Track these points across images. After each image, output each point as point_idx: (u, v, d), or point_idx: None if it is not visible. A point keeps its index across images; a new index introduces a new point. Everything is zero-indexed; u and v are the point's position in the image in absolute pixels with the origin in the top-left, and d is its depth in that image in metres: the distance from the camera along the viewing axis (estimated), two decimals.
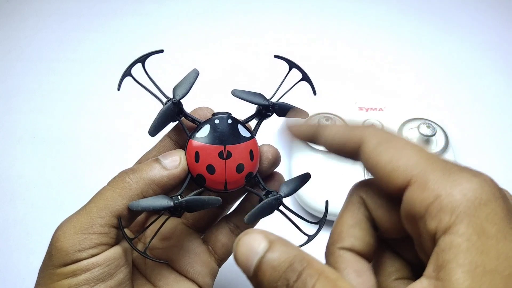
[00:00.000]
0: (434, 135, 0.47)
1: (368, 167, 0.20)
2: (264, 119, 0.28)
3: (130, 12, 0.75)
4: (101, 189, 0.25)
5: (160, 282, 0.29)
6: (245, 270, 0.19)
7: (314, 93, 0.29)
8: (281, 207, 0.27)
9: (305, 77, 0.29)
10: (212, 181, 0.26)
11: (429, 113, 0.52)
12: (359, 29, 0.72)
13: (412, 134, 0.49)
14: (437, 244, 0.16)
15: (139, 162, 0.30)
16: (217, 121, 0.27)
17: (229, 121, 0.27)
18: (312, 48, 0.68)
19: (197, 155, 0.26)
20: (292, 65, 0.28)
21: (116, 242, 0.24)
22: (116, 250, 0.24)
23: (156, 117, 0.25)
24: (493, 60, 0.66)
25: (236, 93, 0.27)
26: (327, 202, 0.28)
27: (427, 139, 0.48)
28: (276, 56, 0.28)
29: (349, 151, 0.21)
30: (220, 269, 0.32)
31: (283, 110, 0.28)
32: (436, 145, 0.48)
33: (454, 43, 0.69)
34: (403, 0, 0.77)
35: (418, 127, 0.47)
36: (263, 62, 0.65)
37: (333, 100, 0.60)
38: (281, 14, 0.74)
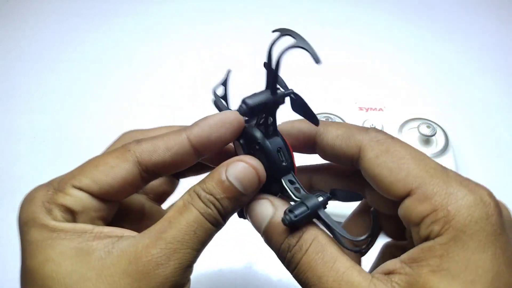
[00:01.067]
0: (434, 135, 0.47)
1: (368, 177, 0.21)
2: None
3: (130, 12, 0.74)
4: (179, 215, 0.21)
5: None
6: (258, 231, 0.22)
7: (317, 62, 0.21)
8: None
9: (301, 44, 0.20)
10: None
11: (429, 113, 0.51)
12: (359, 30, 0.71)
13: (412, 134, 0.49)
14: (421, 244, 0.19)
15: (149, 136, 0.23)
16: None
17: None
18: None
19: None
20: (284, 32, 0.21)
21: None
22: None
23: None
24: (493, 60, 0.66)
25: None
26: (373, 213, 0.22)
27: (427, 139, 0.48)
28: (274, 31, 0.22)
29: (347, 160, 0.23)
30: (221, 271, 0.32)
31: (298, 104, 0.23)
32: (436, 145, 0.48)
33: (455, 42, 0.69)
34: (403, 2, 0.77)
35: (418, 127, 0.47)
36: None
37: (333, 100, 0.60)
38: (281, 13, 0.74)
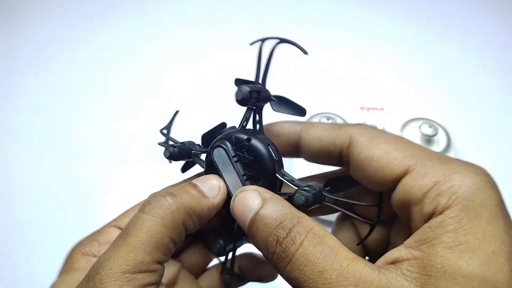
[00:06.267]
0: (436, 134, 0.47)
1: (360, 163, 0.20)
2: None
3: (130, 11, 0.74)
4: (139, 218, 0.21)
5: None
6: (241, 224, 0.20)
7: (305, 52, 0.22)
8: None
9: (287, 40, 0.23)
10: None
11: (431, 112, 0.51)
12: (360, 30, 0.71)
13: (414, 133, 0.48)
14: (427, 222, 0.17)
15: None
16: None
17: None
18: (314, 49, 0.68)
19: None
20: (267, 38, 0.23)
21: (161, 279, 0.21)
22: None
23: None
24: (494, 60, 0.66)
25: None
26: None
27: (429, 139, 0.48)
28: (252, 43, 0.24)
29: (335, 153, 0.22)
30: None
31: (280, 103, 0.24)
32: (438, 144, 0.48)
33: (456, 42, 0.69)
34: (404, 2, 0.76)
35: (420, 127, 0.47)
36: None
37: (334, 100, 0.60)
38: (281, 14, 0.74)
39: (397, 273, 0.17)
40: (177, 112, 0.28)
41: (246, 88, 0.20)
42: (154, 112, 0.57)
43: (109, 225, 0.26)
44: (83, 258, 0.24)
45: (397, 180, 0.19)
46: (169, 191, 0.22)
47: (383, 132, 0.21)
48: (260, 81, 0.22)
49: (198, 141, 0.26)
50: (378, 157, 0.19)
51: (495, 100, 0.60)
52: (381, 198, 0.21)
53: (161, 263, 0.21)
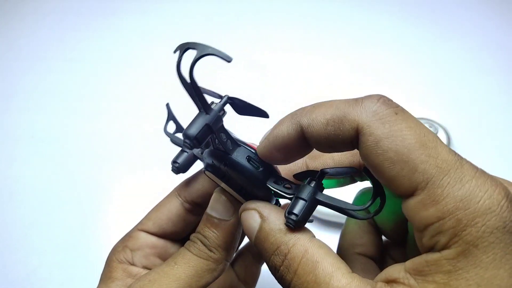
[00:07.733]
0: (435, 134, 0.47)
1: (368, 164, 0.18)
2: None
3: (130, 11, 0.74)
4: (186, 254, 0.23)
5: None
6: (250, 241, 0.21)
7: (228, 61, 0.17)
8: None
9: (206, 53, 0.18)
10: None
11: (431, 112, 0.51)
12: (359, 30, 0.71)
13: None
14: (426, 254, 0.17)
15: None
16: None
17: None
18: (312, 49, 0.68)
19: None
20: (184, 47, 0.19)
21: None
22: None
23: None
24: (494, 59, 0.66)
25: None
26: (365, 170, 0.19)
27: None
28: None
29: (347, 147, 0.19)
30: None
31: (242, 106, 0.21)
32: None
33: (456, 42, 0.69)
34: (403, 2, 0.76)
35: None
36: (262, 67, 0.64)
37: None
38: (282, 13, 0.74)
39: None
40: (167, 104, 0.28)
41: (189, 138, 0.18)
42: (156, 111, 0.57)
43: (136, 228, 0.27)
44: (120, 266, 0.25)
45: (404, 196, 0.17)
46: (204, 234, 0.23)
47: (396, 126, 0.17)
48: (202, 108, 0.19)
49: None
50: (385, 168, 0.17)
51: (495, 100, 0.60)
52: (377, 189, 0.19)
53: None
